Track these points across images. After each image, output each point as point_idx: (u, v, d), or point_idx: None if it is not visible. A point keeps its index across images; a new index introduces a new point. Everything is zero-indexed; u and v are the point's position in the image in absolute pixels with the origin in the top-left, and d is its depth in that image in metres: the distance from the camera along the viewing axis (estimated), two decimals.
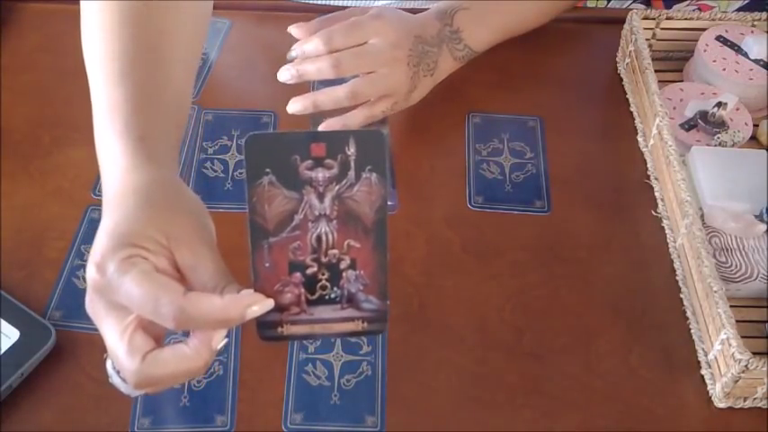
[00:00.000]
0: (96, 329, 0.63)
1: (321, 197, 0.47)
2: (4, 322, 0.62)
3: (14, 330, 0.62)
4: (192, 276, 0.48)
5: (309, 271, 0.48)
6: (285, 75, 0.71)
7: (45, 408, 0.61)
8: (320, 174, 0.47)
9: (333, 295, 0.49)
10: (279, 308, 0.48)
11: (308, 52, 0.71)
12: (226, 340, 0.49)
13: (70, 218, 0.71)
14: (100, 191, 0.72)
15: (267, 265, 0.48)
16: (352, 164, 0.47)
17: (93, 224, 0.70)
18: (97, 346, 0.63)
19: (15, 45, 0.85)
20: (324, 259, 0.48)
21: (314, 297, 0.49)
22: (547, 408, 0.62)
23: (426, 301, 0.67)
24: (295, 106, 0.72)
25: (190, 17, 0.62)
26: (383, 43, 0.71)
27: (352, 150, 0.47)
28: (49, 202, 0.72)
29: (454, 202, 0.74)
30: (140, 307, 0.46)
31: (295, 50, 0.72)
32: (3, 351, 0.61)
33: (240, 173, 0.75)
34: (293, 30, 0.73)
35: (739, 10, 0.95)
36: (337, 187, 0.47)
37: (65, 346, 0.63)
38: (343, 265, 0.48)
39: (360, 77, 0.71)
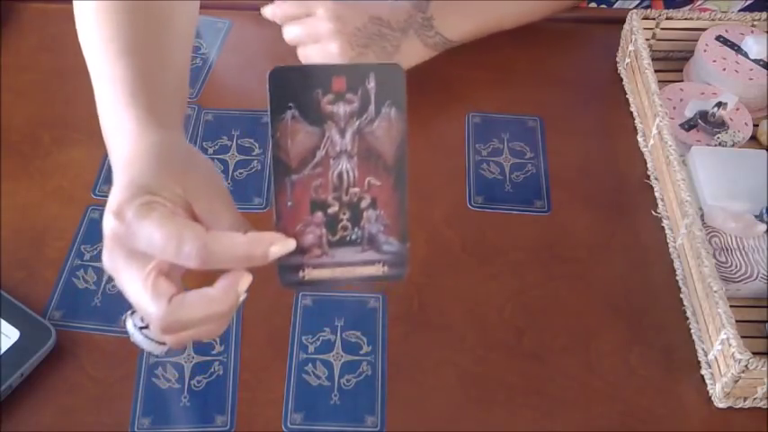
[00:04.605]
0: (96, 329, 0.64)
1: (342, 132, 0.48)
2: (4, 322, 0.62)
3: (14, 330, 0.62)
4: (212, 225, 0.48)
5: (331, 210, 0.48)
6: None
7: (45, 408, 0.61)
8: (341, 108, 0.47)
9: (354, 236, 0.49)
10: (300, 249, 0.48)
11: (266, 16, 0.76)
12: (249, 279, 0.49)
13: (70, 218, 0.71)
14: (100, 191, 0.73)
15: (289, 204, 0.48)
16: (372, 98, 0.47)
17: (93, 224, 0.70)
18: (97, 346, 0.63)
19: (15, 45, 0.85)
20: (345, 198, 0.48)
21: (335, 238, 0.49)
22: (547, 408, 0.62)
23: (426, 301, 0.67)
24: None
25: (182, 13, 0.63)
26: (326, 15, 0.73)
27: (372, 84, 0.47)
28: (49, 202, 0.72)
29: (454, 202, 0.74)
30: (163, 248, 0.46)
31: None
32: (3, 351, 0.61)
33: (240, 173, 0.75)
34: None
35: (742, 11, 0.95)
36: (358, 122, 0.47)
37: (65, 346, 0.63)
38: (363, 204, 0.48)
39: (302, 46, 0.75)
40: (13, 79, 0.82)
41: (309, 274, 0.49)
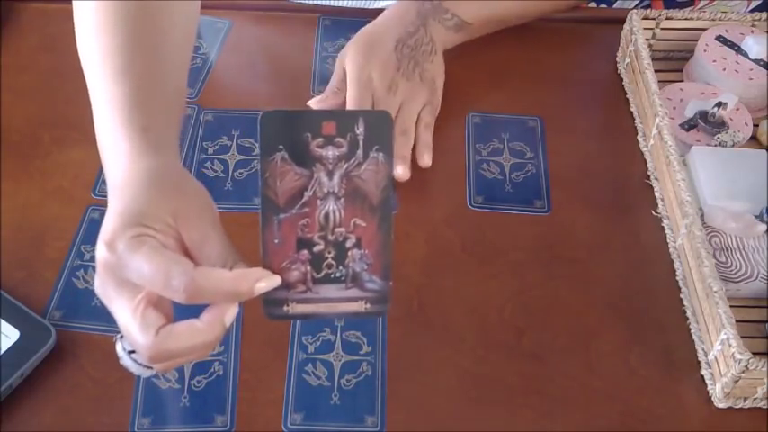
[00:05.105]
0: (96, 329, 0.64)
1: (330, 175, 0.49)
2: (4, 322, 0.62)
3: (14, 330, 0.62)
4: (200, 254, 0.49)
5: (316, 249, 0.50)
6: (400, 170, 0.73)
7: (45, 408, 0.60)
8: (330, 152, 0.48)
9: (338, 274, 0.50)
10: (285, 285, 0.50)
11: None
12: (235, 311, 0.50)
13: (70, 218, 0.71)
14: (100, 191, 0.73)
15: (276, 241, 0.49)
16: (361, 143, 0.49)
17: (93, 224, 0.70)
18: (97, 346, 0.63)
19: (15, 45, 0.85)
20: (330, 237, 0.50)
21: (319, 275, 0.50)
22: (547, 408, 0.62)
23: (426, 301, 0.67)
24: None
25: (182, 15, 0.63)
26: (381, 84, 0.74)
27: (360, 130, 0.48)
28: (49, 202, 0.72)
29: (454, 202, 0.74)
30: (151, 281, 0.47)
31: None
32: (3, 351, 0.61)
33: (240, 173, 0.75)
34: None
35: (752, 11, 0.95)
36: (346, 165, 0.49)
37: (65, 346, 0.63)
38: (348, 244, 0.50)
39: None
40: (13, 79, 0.82)
41: (294, 308, 0.51)
